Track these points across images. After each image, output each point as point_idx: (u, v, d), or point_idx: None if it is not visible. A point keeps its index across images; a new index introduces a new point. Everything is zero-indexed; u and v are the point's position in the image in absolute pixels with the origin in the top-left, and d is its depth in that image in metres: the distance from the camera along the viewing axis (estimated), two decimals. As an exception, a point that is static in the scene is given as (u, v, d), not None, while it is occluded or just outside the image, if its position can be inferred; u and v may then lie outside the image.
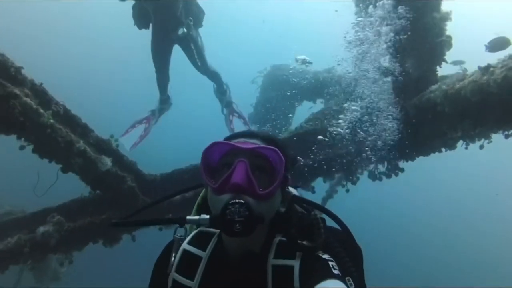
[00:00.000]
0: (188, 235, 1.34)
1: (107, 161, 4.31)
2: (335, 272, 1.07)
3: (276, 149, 1.19)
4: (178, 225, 1.28)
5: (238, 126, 7.28)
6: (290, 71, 8.54)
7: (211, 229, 1.30)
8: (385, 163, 5.28)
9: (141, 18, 5.86)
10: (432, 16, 3.85)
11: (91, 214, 5.24)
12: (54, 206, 5.43)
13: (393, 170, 5.28)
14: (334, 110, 5.88)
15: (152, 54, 6.34)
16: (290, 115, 9.35)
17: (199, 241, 1.32)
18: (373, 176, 5.39)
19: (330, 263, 1.10)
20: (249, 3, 24.33)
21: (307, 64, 7.51)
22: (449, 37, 4.18)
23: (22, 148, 3.92)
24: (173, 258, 1.29)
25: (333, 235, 1.23)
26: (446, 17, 3.91)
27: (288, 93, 8.92)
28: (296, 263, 1.15)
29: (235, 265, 1.25)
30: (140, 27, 6.03)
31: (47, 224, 5.04)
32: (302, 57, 7.35)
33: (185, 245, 1.32)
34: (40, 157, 4.01)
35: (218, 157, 1.25)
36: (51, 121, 3.76)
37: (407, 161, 5.32)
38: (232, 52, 23.52)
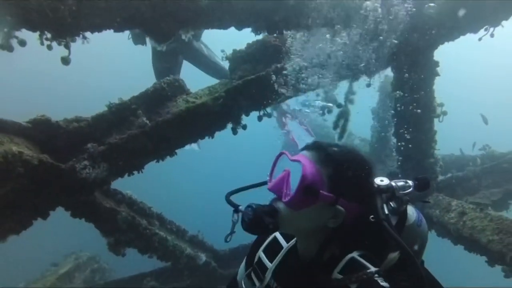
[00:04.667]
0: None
1: (202, 257, 6.31)
2: None
3: (304, 164, 1.33)
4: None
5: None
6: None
7: None
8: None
9: None
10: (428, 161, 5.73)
11: (177, 280, 7.26)
12: (147, 271, 7.45)
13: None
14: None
15: None
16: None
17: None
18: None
19: None
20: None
21: None
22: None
23: (150, 257, 5.89)
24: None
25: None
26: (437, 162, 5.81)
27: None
28: (353, 286, 1.24)
29: (302, 267, 1.42)
30: None
31: (144, 286, 7.08)
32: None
33: (277, 233, 1.61)
34: (161, 260, 6.01)
35: (278, 165, 1.50)
36: (174, 242, 5.75)
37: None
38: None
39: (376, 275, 1.23)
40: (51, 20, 2.64)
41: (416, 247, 1.52)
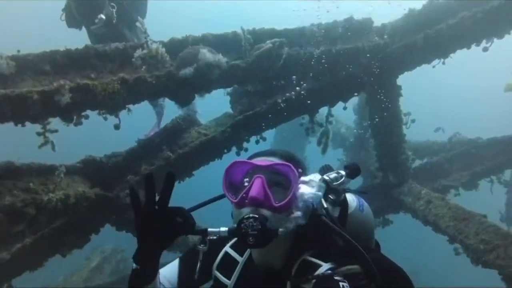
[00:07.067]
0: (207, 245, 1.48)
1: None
2: None
3: (290, 165, 1.41)
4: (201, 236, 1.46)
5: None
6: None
7: None
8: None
9: None
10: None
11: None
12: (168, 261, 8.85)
13: (384, 223, 8.59)
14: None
15: None
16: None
17: (239, 246, 1.57)
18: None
19: (341, 284, 1.22)
20: None
21: None
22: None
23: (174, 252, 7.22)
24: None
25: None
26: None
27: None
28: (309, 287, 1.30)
29: (260, 278, 1.46)
30: None
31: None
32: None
33: (227, 247, 1.61)
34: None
35: (240, 176, 1.49)
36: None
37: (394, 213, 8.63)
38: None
39: (329, 271, 1.28)
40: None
41: (364, 233, 1.55)
